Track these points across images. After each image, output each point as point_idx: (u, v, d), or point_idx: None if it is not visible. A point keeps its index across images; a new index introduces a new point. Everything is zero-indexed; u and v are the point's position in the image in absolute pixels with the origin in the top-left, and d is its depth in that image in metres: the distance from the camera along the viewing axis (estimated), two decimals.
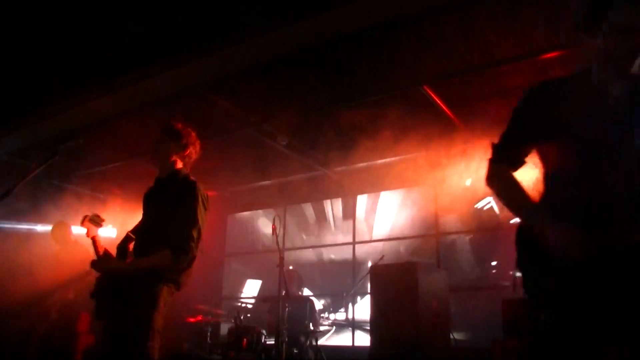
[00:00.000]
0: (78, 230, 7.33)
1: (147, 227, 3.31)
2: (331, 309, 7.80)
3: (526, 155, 2.24)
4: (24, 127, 6.50)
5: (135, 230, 3.37)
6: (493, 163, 2.30)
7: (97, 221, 3.56)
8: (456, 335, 6.00)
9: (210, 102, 6.06)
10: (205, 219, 3.24)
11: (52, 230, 7.01)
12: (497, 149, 2.29)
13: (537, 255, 1.96)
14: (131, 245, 3.30)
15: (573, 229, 1.87)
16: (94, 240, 3.44)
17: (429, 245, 7.55)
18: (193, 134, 3.50)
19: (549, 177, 2.15)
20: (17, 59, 5.34)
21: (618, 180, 1.90)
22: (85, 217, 3.52)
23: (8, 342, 6.88)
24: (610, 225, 1.84)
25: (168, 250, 3.05)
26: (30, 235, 7.94)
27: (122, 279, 3.14)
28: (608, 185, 1.91)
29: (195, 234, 3.12)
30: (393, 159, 7.50)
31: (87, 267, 6.41)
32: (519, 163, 2.26)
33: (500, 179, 2.27)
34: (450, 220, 7.23)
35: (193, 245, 3.11)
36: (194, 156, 3.50)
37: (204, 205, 3.23)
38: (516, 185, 2.20)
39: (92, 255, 3.49)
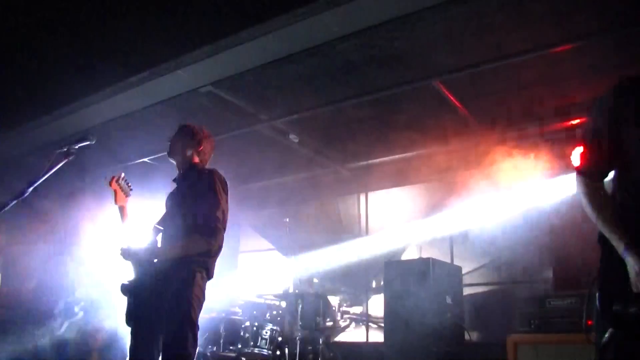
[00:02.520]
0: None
1: (172, 218, 3.34)
2: (345, 306, 7.79)
3: (614, 163, 2.13)
4: (39, 127, 6.58)
5: (160, 222, 3.39)
6: (584, 177, 2.19)
7: (126, 189, 3.54)
8: (470, 332, 5.97)
9: (221, 100, 6.08)
10: (226, 202, 3.28)
11: None
12: (585, 159, 2.19)
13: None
14: (159, 238, 3.32)
15: None
16: (121, 209, 3.43)
17: (443, 241, 7.51)
18: (206, 130, 3.60)
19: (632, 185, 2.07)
20: (33, 59, 5.41)
21: None
22: (115, 177, 3.50)
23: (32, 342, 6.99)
24: None
25: (197, 234, 3.08)
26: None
27: (155, 273, 3.13)
28: None
29: (220, 215, 3.16)
30: (406, 155, 7.48)
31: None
32: (607, 174, 2.17)
33: (594, 198, 2.15)
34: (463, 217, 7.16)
35: (220, 226, 3.15)
36: (209, 151, 3.59)
37: (223, 190, 3.28)
38: (610, 208, 2.11)
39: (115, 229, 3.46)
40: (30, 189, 3.03)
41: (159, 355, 3.05)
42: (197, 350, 3.06)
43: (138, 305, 3.19)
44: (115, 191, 3.47)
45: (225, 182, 3.37)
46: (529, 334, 4.72)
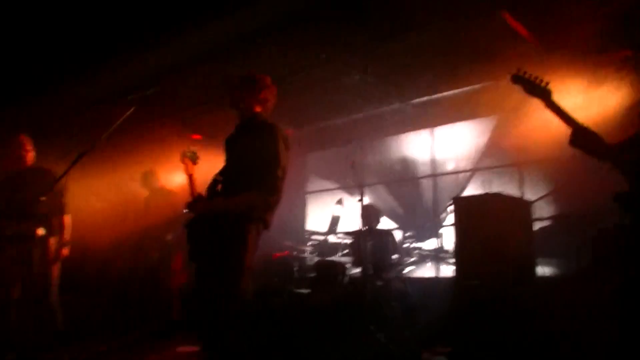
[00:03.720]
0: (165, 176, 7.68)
1: (232, 170, 3.40)
2: (414, 242, 7.81)
3: None
4: (106, 76, 6.75)
5: (221, 173, 3.47)
6: None
7: (194, 158, 3.65)
8: (542, 268, 5.88)
9: (280, 43, 6.04)
10: (287, 158, 3.32)
11: (141, 176, 7.37)
12: None
13: None
14: (219, 188, 3.41)
15: None
16: (190, 178, 3.55)
17: (513, 176, 7.34)
18: (267, 78, 3.59)
19: None
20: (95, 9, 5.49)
21: None
22: (184, 152, 3.62)
23: (111, 281, 7.42)
24: None
25: (256, 191, 3.14)
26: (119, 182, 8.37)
27: (213, 221, 3.24)
28: None
29: (280, 173, 3.21)
30: (472, 87, 7.27)
31: (181, 210, 6.76)
32: None
33: None
34: (532, 149, 6.93)
35: (279, 185, 3.21)
36: (271, 99, 3.58)
37: (284, 144, 3.31)
38: None
39: (181, 197, 3.63)
40: (101, 139, 3.17)
41: (213, 302, 3.17)
42: (251, 295, 3.20)
43: (196, 248, 3.33)
44: (185, 164, 3.58)
45: (287, 137, 3.38)
46: (606, 270, 4.59)
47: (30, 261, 4.71)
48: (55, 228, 5.24)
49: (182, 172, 3.62)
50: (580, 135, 3.21)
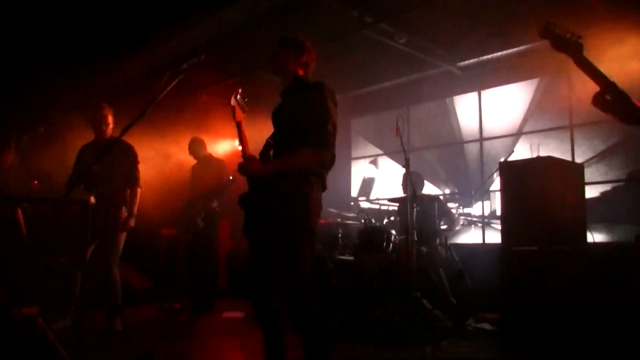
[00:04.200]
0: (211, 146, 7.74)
1: (283, 132, 3.38)
2: (461, 207, 7.72)
3: None
4: (151, 49, 6.84)
5: (272, 137, 3.45)
6: None
7: (243, 105, 3.57)
8: (595, 233, 5.72)
9: (324, 6, 5.95)
10: (337, 114, 3.28)
11: (189, 144, 7.46)
12: None
13: None
14: (271, 152, 3.38)
15: None
16: (239, 127, 3.49)
17: (563, 139, 7.13)
18: (307, 42, 3.54)
19: None
20: None
21: None
22: (234, 94, 3.54)
23: (160, 248, 7.61)
24: None
25: (309, 147, 3.12)
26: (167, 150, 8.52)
27: (270, 185, 3.22)
28: None
29: (331, 127, 3.18)
30: (519, 48, 7.06)
31: (227, 178, 6.81)
32: None
33: None
34: (583, 111, 6.68)
35: (332, 139, 3.18)
36: (312, 62, 3.53)
37: (333, 101, 3.27)
38: None
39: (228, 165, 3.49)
40: (149, 107, 3.19)
41: (275, 266, 3.17)
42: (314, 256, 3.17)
43: (252, 217, 3.32)
44: (234, 107, 3.50)
45: (334, 92, 3.34)
46: None
47: (86, 228, 4.83)
48: (126, 199, 5.39)
49: (231, 119, 3.53)
50: (609, 93, 3.02)
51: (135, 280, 7.66)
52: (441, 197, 7.07)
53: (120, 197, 5.35)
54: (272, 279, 3.19)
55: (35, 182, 5.92)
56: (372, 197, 9.00)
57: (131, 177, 5.45)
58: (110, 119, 5.45)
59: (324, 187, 3.29)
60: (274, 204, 3.16)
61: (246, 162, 3.24)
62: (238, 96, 3.50)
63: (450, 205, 7.03)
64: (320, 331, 3.08)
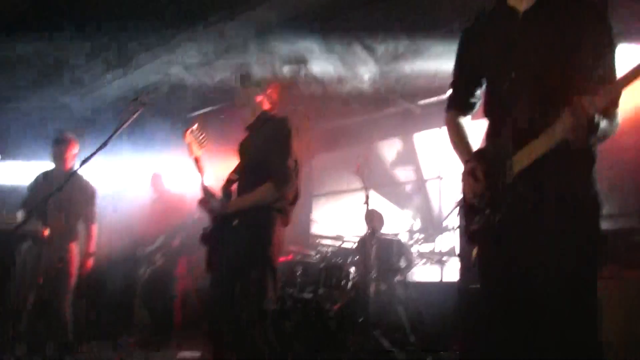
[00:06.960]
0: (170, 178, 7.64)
1: (246, 167, 3.38)
2: (419, 245, 7.74)
3: (473, 98, 2.36)
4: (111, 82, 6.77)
5: (235, 171, 3.44)
6: (446, 111, 2.43)
7: (199, 139, 3.52)
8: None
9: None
10: (300, 150, 3.30)
11: (151, 179, 7.36)
12: (449, 97, 2.41)
13: None
14: (234, 187, 3.38)
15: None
16: (196, 161, 3.45)
17: None
18: (273, 77, 3.59)
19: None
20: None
21: None
22: (189, 129, 3.50)
23: (115, 287, 7.40)
24: None
25: (270, 183, 3.13)
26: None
27: (232, 222, 3.20)
28: None
29: (291, 163, 3.19)
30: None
31: (188, 215, 6.69)
32: (468, 107, 2.38)
33: (449, 126, 2.41)
34: None
35: (292, 174, 3.19)
36: (277, 94, 3.56)
37: (296, 136, 3.30)
38: (455, 129, 2.38)
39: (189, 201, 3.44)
40: (111, 138, 3.15)
41: (238, 302, 3.13)
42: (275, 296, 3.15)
43: (215, 253, 3.28)
44: (189, 144, 3.48)
45: (298, 127, 3.36)
46: None
47: (38, 262, 4.68)
48: (81, 235, 5.20)
49: (187, 154, 3.48)
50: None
51: (89, 317, 7.41)
52: (399, 237, 7.09)
53: (73, 233, 5.19)
54: (233, 316, 3.16)
55: None
56: (334, 234, 8.98)
57: (87, 213, 5.29)
58: (74, 150, 5.30)
59: (286, 219, 3.29)
60: (236, 239, 3.15)
61: (209, 201, 3.24)
62: (194, 131, 3.49)
63: (410, 242, 7.05)
64: None
